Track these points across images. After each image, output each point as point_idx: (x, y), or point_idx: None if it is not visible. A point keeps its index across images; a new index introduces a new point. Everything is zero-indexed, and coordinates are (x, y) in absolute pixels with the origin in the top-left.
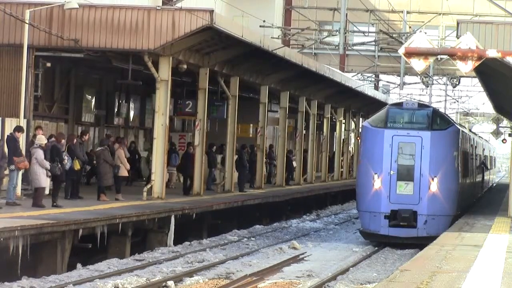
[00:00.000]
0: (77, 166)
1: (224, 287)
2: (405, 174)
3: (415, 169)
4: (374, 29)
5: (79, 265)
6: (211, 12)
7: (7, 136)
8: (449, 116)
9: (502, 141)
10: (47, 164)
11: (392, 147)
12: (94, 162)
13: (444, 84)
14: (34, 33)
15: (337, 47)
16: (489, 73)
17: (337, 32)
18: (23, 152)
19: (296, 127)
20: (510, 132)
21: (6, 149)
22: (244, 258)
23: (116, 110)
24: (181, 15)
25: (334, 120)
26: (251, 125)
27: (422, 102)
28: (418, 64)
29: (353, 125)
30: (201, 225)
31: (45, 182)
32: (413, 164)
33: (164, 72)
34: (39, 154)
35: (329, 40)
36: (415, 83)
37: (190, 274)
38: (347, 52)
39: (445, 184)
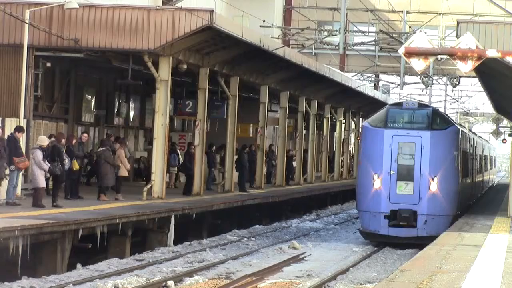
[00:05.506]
0: (75, 166)
1: (224, 287)
2: (405, 174)
3: (415, 169)
4: (374, 29)
5: (79, 265)
6: (211, 12)
7: (8, 136)
8: (449, 116)
9: (502, 141)
10: (45, 166)
11: (392, 147)
12: (94, 162)
13: (444, 84)
14: (34, 33)
15: (337, 47)
16: (489, 73)
17: (337, 32)
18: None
19: (296, 127)
20: (510, 132)
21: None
22: (244, 258)
23: (116, 110)
24: (181, 15)
25: (334, 120)
26: (251, 125)
27: (422, 102)
28: (418, 64)
29: (353, 125)
30: (201, 225)
31: (44, 182)
32: (413, 164)
33: (164, 72)
34: (38, 155)
35: (329, 40)
36: (415, 83)
37: (190, 274)
38: (347, 52)
39: (445, 184)
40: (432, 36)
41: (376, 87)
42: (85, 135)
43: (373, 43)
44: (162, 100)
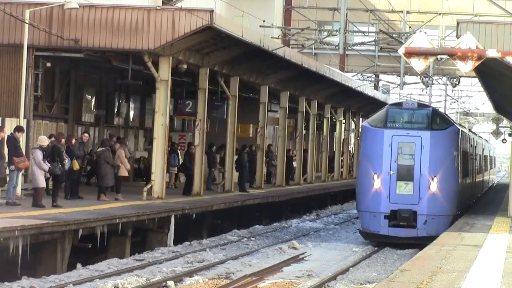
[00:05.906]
0: (75, 166)
1: (224, 287)
2: (405, 174)
3: (415, 169)
4: (374, 29)
5: (79, 265)
6: (211, 12)
7: (7, 136)
8: (448, 116)
9: (502, 141)
10: (45, 166)
11: (391, 147)
12: (94, 162)
13: (444, 84)
14: (34, 33)
15: (337, 47)
16: (489, 73)
17: (337, 32)
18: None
19: (296, 127)
20: (510, 132)
21: (6, 149)
22: (244, 258)
23: (116, 110)
24: (181, 15)
25: (334, 120)
26: (251, 125)
27: (421, 102)
28: (418, 64)
29: (353, 125)
30: (201, 225)
31: (44, 182)
32: (412, 164)
33: (164, 72)
34: (38, 155)
35: (329, 40)
36: (415, 83)
37: (190, 274)
38: (347, 52)
39: (445, 184)
40: (432, 36)
41: (376, 87)
42: (86, 135)
43: (373, 43)
44: (162, 100)
